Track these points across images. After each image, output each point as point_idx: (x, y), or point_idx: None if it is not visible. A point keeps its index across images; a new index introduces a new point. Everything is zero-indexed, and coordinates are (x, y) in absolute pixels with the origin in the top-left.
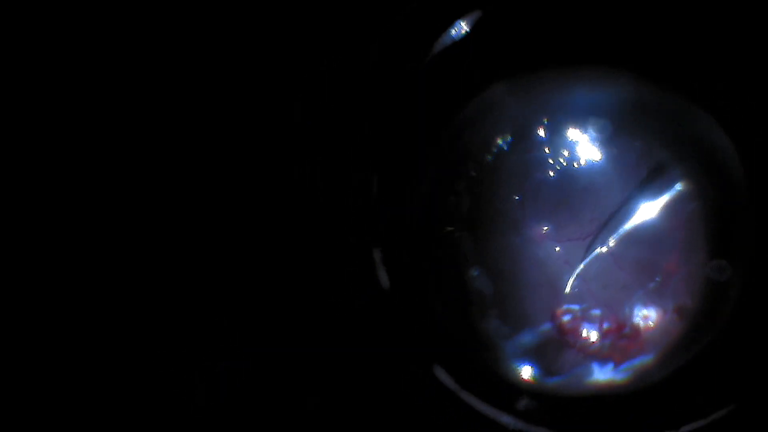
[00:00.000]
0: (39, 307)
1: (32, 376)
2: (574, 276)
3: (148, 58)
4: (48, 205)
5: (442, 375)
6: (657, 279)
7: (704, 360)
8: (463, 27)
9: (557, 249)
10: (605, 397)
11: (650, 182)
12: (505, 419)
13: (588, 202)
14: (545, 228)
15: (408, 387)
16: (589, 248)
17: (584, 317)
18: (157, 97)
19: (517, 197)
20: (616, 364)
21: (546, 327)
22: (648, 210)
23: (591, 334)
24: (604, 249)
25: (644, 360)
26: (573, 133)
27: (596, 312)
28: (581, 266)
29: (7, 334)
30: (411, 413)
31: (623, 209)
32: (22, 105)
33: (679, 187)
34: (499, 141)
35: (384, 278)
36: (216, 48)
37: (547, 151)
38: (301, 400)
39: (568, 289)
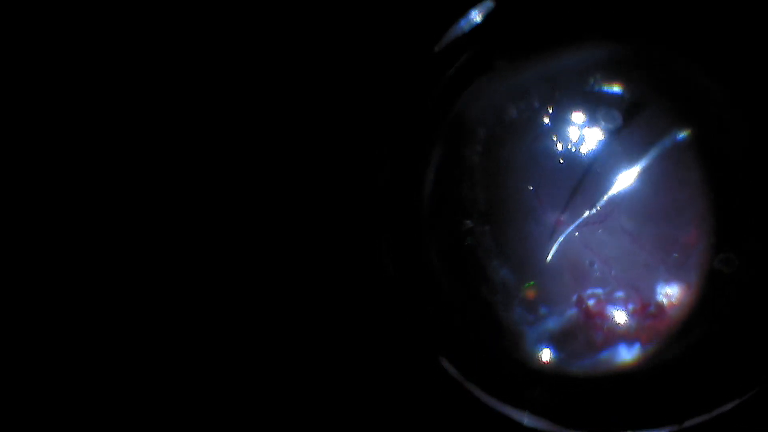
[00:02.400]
0: (38, 307)
1: (32, 376)
2: (556, 245)
3: (149, 58)
4: (48, 205)
5: (449, 366)
6: (676, 254)
7: (710, 350)
8: (473, 15)
9: (576, 234)
10: (613, 384)
11: (632, 129)
12: (514, 412)
13: (600, 185)
14: (561, 214)
15: (414, 378)
16: (564, 213)
17: (608, 300)
18: (158, 98)
19: (530, 187)
20: (643, 344)
21: (571, 312)
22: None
23: (617, 316)
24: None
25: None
26: (579, 119)
27: (620, 294)
28: (564, 235)
29: (7, 334)
30: (416, 405)
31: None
32: (22, 105)
33: (681, 137)
34: (506, 131)
35: (391, 270)
36: (216, 45)
37: (554, 138)
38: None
39: (549, 258)
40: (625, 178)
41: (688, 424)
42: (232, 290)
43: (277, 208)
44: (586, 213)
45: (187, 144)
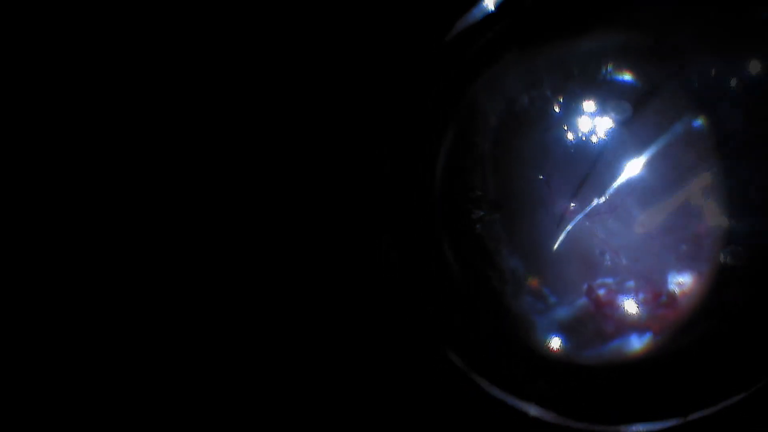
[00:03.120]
0: (38, 307)
1: (32, 376)
2: (563, 234)
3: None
4: (48, 206)
5: (456, 357)
6: (686, 245)
7: (716, 343)
8: (484, 4)
9: (586, 223)
10: (619, 375)
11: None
12: (521, 403)
13: (611, 174)
14: (572, 204)
15: (420, 369)
16: (574, 201)
17: (619, 289)
18: (159, 97)
19: (541, 177)
20: (655, 333)
21: (581, 301)
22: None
23: (628, 305)
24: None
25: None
26: (590, 108)
27: (630, 284)
28: (572, 224)
29: (7, 335)
30: (423, 396)
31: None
32: (23, 105)
33: (692, 127)
34: (517, 121)
35: (399, 260)
36: (216, 45)
37: (565, 128)
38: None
39: (556, 246)
40: (636, 168)
41: (692, 417)
42: (250, 283)
43: (284, 201)
44: (595, 201)
45: (190, 140)
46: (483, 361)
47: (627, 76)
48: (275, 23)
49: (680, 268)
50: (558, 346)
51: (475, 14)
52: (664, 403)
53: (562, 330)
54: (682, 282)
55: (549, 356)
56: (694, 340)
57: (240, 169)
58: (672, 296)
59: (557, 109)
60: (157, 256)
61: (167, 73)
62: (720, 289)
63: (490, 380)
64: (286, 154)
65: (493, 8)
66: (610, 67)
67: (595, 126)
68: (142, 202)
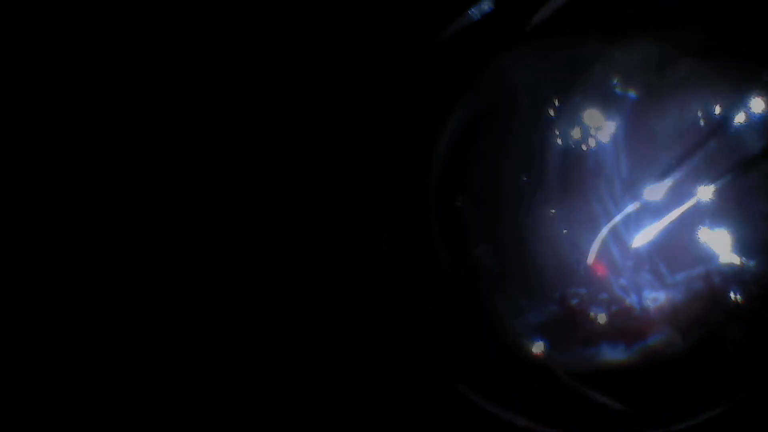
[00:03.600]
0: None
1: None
2: (603, 236)
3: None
4: (46, 205)
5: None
6: (667, 260)
7: (696, 357)
8: (484, 5)
9: (564, 231)
10: (597, 385)
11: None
12: (494, 407)
13: (596, 186)
14: (553, 210)
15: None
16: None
17: (592, 300)
18: (155, 96)
19: (525, 178)
20: (627, 346)
21: (552, 309)
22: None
23: (599, 317)
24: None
25: (653, 341)
26: (585, 115)
27: (604, 296)
28: (610, 225)
29: (6, 335)
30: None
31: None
32: (22, 105)
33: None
34: (510, 119)
35: (391, 263)
36: (214, 45)
37: (557, 132)
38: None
39: (591, 260)
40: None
41: (674, 428)
42: (248, 284)
43: (283, 201)
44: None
45: (186, 140)
46: (464, 365)
47: (629, 88)
48: (274, 21)
49: (656, 286)
50: (536, 352)
51: (474, 14)
52: (645, 414)
53: (533, 336)
54: (657, 299)
55: (519, 363)
56: (674, 354)
57: (238, 169)
58: (646, 311)
59: (552, 113)
60: (152, 254)
61: (161, 72)
62: (699, 307)
63: (471, 386)
64: (284, 153)
65: (492, 6)
66: (612, 75)
67: (589, 133)
68: (138, 201)
